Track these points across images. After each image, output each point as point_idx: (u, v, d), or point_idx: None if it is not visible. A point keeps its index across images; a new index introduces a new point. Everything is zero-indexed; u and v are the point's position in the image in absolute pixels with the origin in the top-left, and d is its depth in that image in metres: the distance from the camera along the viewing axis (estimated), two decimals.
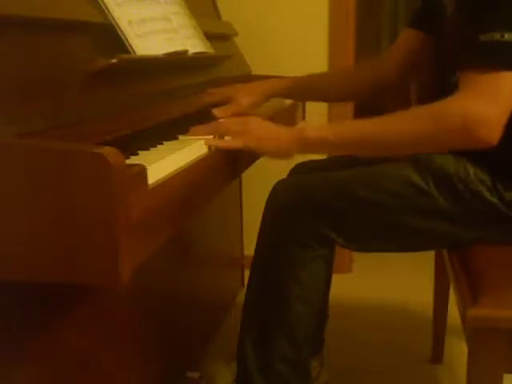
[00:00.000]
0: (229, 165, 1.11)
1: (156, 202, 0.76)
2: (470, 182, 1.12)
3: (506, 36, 0.98)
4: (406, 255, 1.31)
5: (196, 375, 1.42)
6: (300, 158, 1.54)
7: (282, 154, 1.11)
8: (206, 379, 1.47)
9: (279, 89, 1.47)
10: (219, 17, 1.97)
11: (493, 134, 0.99)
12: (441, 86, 1.29)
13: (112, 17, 1.07)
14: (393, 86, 1.47)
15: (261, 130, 1.10)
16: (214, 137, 1.06)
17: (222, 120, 1.17)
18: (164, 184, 0.80)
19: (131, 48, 1.08)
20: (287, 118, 1.63)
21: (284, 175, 1.43)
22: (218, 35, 1.70)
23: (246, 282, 1.31)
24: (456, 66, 1.08)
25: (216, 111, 1.28)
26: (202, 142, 1.00)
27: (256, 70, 2.01)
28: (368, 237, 1.20)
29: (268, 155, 1.12)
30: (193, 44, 1.35)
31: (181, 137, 1.04)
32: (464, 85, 1.01)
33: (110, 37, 1.06)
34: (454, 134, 1.01)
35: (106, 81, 0.99)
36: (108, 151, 0.65)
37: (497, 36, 0.98)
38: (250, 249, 1.37)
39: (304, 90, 1.51)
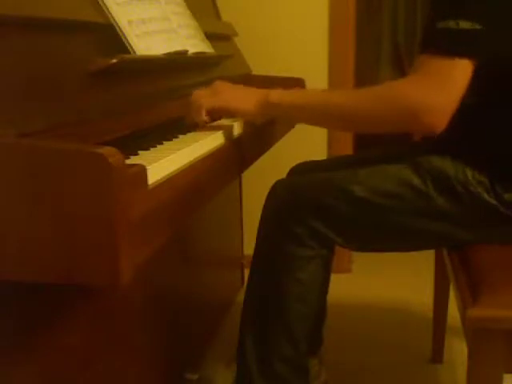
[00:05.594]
0: (229, 165, 1.11)
1: (156, 201, 0.76)
2: (468, 184, 1.12)
3: (461, 24, 0.98)
4: (406, 255, 1.31)
5: (194, 377, 1.42)
6: (300, 159, 1.54)
7: (249, 114, 1.17)
8: (205, 380, 1.47)
9: None
10: (219, 17, 1.97)
11: (437, 122, 1.00)
12: None
13: (112, 17, 1.07)
14: None
15: (230, 92, 1.17)
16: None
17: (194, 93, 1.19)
18: (164, 184, 0.80)
19: (131, 48, 1.08)
20: None
21: (284, 175, 1.43)
22: (218, 35, 1.70)
23: (246, 281, 1.31)
24: None
25: None
26: (202, 141, 1.00)
27: (256, 70, 2.01)
28: (368, 237, 1.20)
29: (237, 115, 1.18)
30: (193, 44, 1.35)
31: (181, 136, 1.04)
32: (417, 69, 1.03)
33: (109, 37, 1.06)
34: (402, 118, 1.03)
35: (106, 81, 0.99)
36: (108, 151, 0.64)
37: (452, 24, 0.99)
38: (249, 249, 1.37)
39: None
